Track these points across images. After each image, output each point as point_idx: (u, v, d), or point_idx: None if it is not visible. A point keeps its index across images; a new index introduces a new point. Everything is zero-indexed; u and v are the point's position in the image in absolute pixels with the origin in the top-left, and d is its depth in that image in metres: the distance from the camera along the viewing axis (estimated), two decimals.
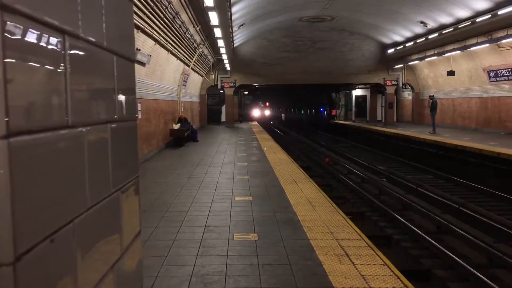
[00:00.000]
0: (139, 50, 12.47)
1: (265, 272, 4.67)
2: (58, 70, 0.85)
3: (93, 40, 0.98)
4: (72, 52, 0.89)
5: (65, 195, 0.87)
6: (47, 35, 0.80)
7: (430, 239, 8.39)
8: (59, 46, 0.84)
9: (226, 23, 15.76)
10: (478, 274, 6.70)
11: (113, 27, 1.10)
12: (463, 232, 8.69)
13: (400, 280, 4.40)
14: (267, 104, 65.16)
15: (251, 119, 46.99)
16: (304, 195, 8.49)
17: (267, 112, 63.98)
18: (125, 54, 1.18)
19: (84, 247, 0.93)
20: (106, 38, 1.05)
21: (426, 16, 22.67)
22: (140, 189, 5.53)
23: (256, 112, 55.62)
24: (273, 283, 4.39)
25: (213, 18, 13.55)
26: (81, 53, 0.93)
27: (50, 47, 0.82)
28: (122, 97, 1.15)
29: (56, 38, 0.84)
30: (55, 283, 0.83)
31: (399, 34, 27.44)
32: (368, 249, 5.36)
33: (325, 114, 48.73)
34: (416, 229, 9.07)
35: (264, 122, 47.60)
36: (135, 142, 1.24)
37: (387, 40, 29.71)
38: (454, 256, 7.46)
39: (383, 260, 4.95)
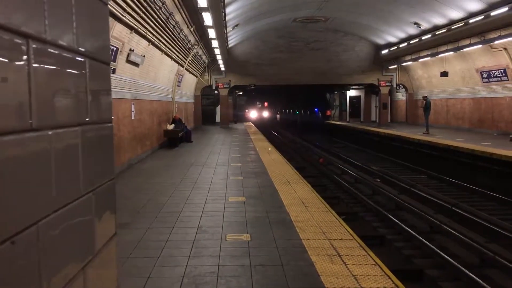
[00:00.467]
0: (133, 51, 12.46)
1: (257, 273, 4.67)
2: (21, 73, 0.85)
3: (63, 43, 0.99)
4: (37, 55, 0.89)
5: (28, 198, 0.87)
6: (8, 38, 0.80)
7: (422, 239, 8.43)
8: (22, 49, 0.85)
9: (220, 23, 15.76)
10: (470, 274, 6.75)
11: (85, 30, 1.10)
12: (455, 232, 8.74)
13: (391, 280, 4.42)
14: (266, 104, 59.78)
15: (247, 120, 45.12)
16: (297, 195, 8.51)
17: (266, 113, 58.59)
18: (99, 57, 1.18)
19: (51, 249, 0.93)
20: (77, 41, 1.05)
21: (419, 17, 22.78)
22: (133, 189, 5.55)
23: (253, 114, 52.63)
24: (265, 284, 4.40)
25: (207, 18, 13.54)
26: (48, 56, 0.94)
27: (11, 51, 0.82)
28: (95, 100, 1.15)
29: (19, 41, 0.84)
30: (18, 286, 0.83)
31: (393, 35, 27.56)
32: (360, 249, 5.38)
33: (320, 114, 48.83)
34: (409, 229, 9.12)
35: (260, 123, 45.46)
36: (110, 145, 1.24)
37: (381, 41, 29.82)
38: (446, 256, 7.50)
39: (374, 260, 4.98)
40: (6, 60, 0.81)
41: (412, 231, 8.97)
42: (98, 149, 1.19)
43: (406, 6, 21.90)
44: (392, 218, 10.03)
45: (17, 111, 0.83)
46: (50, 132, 0.93)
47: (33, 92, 0.86)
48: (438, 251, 7.77)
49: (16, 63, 0.84)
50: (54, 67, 0.96)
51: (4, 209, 0.80)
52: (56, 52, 0.97)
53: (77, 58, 1.06)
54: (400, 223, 9.62)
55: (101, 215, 1.18)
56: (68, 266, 1.01)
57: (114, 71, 11.36)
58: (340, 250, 5.32)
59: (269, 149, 17.27)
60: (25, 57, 0.85)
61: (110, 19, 9.92)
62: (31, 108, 0.86)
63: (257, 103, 56.26)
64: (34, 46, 0.87)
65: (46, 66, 0.92)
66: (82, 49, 1.07)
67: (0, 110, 0.78)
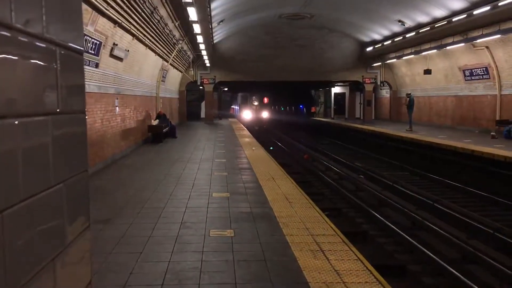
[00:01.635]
0: (117, 45, 12.32)
1: (240, 268, 4.67)
2: None
3: (31, 30, 0.96)
4: (2, 42, 0.86)
5: None
6: None
7: (404, 235, 8.52)
8: None
9: (205, 18, 15.66)
10: (452, 269, 6.84)
11: (55, 17, 1.07)
12: (437, 228, 8.85)
13: (373, 275, 4.46)
14: (266, 100, 40.93)
15: (235, 117, 38.40)
16: (281, 191, 8.53)
17: (265, 113, 40.25)
18: (70, 46, 1.16)
19: (17, 239, 0.92)
20: (45, 28, 1.02)
21: (403, 15, 22.96)
22: (116, 185, 5.49)
23: (246, 114, 39.05)
24: (248, 279, 4.40)
25: (192, 13, 13.45)
26: (14, 43, 0.91)
27: None
28: (66, 90, 1.13)
29: None
30: None
31: (377, 32, 27.74)
32: (342, 244, 5.42)
33: (305, 111, 48.96)
34: (392, 225, 9.21)
35: (257, 128, 35.13)
36: (83, 135, 1.22)
37: (366, 38, 29.99)
38: (428, 252, 7.59)
39: (357, 256, 5.01)
40: None
41: (394, 227, 9.06)
42: (71, 139, 1.16)
43: (390, 4, 22.05)
44: (375, 214, 10.11)
45: None
46: (15, 121, 0.91)
47: None
48: (420, 246, 7.87)
49: None
50: (19, 54, 0.94)
51: None
52: (24, 39, 0.94)
53: (46, 46, 1.03)
54: (383, 219, 9.71)
55: (72, 207, 1.16)
56: (36, 257, 0.99)
57: (97, 65, 11.23)
58: (323, 246, 5.35)
59: (254, 145, 17.27)
60: None
61: (94, 12, 9.78)
62: None
63: (253, 98, 39.36)
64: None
65: (8, 52, 0.89)
66: (52, 36, 1.05)
67: None
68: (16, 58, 0.91)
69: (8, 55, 0.88)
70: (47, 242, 1.02)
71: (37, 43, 0.99)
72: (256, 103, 40.11)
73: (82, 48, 1.23)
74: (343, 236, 5.75)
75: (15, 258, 0.89)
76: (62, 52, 1.09)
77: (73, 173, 1.14)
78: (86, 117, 1.24)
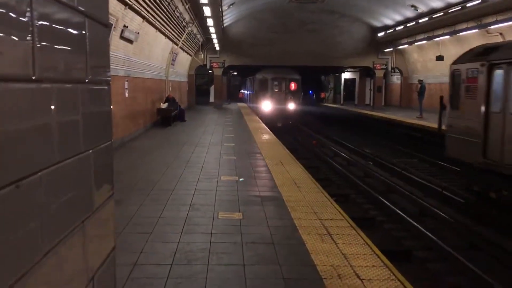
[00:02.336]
0: (127, 27, 12.30)
1: (248, 250, 4.73)
2: (24, 26, 0.85)
3: (63, 1, 0.99)
4: (38, 10, 0.89)
5: (30, 148, 0.90)
6: None
7: (412, 221, 8.53)
8: (24, 4, 0.85)
9: (215, 1, 15.56)
10: (456, 255, 6.86)
11: None
12: (444, 215, 8.84)
13: (380, 259, 4.49)
14: (293, 85, 28.10)
15: (253, 111, 27.68)
16: (290, 176, 8.55)
17: (292, 104, 27.76)
18: (98, 18, 1.18)
19: (52, 199, 0.96)
20: (76, 0, 1.05)
21: (417, 0, 22.62)
22: (125, 167, 5.55)
23: (266, 104, 27.18)
24: (256, 261, 4.46)
25: None
26: (49, 11, 0.94)
27: (15, 4, 0.82)
28: (93, 60, 1.15)
29: None
30: (20, 227, 0.86)
31: (389, 17, 27.38)
32: (350, 229, 5.45)
33: (314, 97, 48.75)
34: (399, 211, 9.22)
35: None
36: (108, 106, 1.25)
37: (377, 23, 29.63)
38: (434, 238, 7.61)
39: (364, 240, 5.04)
40: (11, 12, 0.82)
41: (402, 213, 9.07)
42: (97, 109, 1.20)
43: None
44: (383, 200, 10.12)
45: (21, 62, 0.84)
46: (50, 86, 0.94)
47: (35, 45, 0.87)
48: (427, 232, 7.88)
49: (19, 15, 0.85)
50: (56, 24, 0.96)
51: (10, 154, 0.83)
52: (59, 9, 0.97)
53: (78, 16, 1.05)
54: (390, 205, 9.71)
55: (99, 174, 1.20)
56: (69, 217, 1.03)
57: None
58: (330, 230, 5.38)
59: (263, 130, 17.28)
60: (28, 9, 0.85)
61: None
62: (34, 60, 0.87)
63: (274, 83, 27.75)
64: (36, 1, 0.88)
65: (48, 21, 0.93)
66: (83, 8, 1.07)
67: (4, 58, 0.79)
68: (52, 26, 0.94)
69: (46, 23, 0.91)
70: (78, 205, 1.07)
71: (70, 14, 1.01)
72: (276, 90, 27.62)
73: (107, 21, 1.25)
74: (351, 221, 5.77)
75: (51, 216, 0.94)
76: (90, 23, 1.11)
77: (100, 141, 1.18)
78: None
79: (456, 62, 10.82)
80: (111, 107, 1.29)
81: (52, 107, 0.96)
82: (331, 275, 4.12)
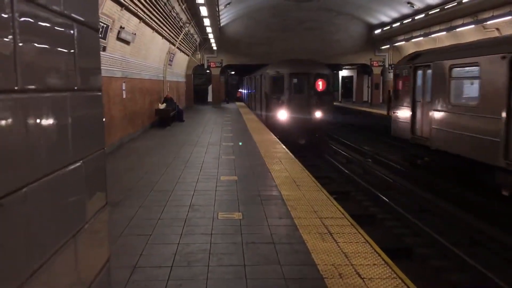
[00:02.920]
0: (123, 28, 12.27)
1: (249, 250, 4.71)
2: (6, 32, 0.82)
3: (49, 6, 0.96)
4: (22, 16, 0.86)
5: (14, 162, 0.86)
6: None
7: (411, 218, 8.53)
8: (7, 9, 0.82)
9: (212, 1, 15.54)
10: (457, 251, 6.86)
11: None
12: (444, 211, 8.85)
13: (381, 257, 4.48)
14: (322, 84, 17.99)
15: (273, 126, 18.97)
16: (289, 174, 8.54)
17: (318, 113, 17.68)
18: (86, 22, 1.15)
19: (40, 214, 0.93)
20: (63, 4, 1.02)
21: None
22: (124, 168, 5.51)
23: (282, 114, 17.91)
24: (257, 261, 4.44)
25: None
26: (33, 17, 0.91)
27: None
28: (83, 67, 1.13)
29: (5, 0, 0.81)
30: (5, 248, 0.83)
31: (386, 14, 27.37)
32: (350, 227, 5.44)
33: None
34: (399, 208, 9.21)
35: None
36: (100, 113, 1.23)
37: (374, 21, 29.62)
38: (434, 234, 7.61)
39: (365, 238, 5.03)
40: None
41: (402, 210, 9.07)
42: (88, 117, 1.17)
43: None
44: (383, 197, 10.12)
45: (2, 72, 0.81)
46: (34, 95, 0.91)
47: (17, 54, 0.84)
48: (427, 229, 7.88)
49: (2, 23, 0.81)
50: (41, 30, 0.93)
51: None
52: (45, 14, 0.94)
53: (65, 21, 1.03)
54: (390, 202, 9.71)
55: (91, 184, 1.17)
56: (59, 232, 1.00)
57: (104, 49, 11.21)
58: (331, 228, 5.37)
59: (261, 129, 17.25)
60: (10, 16, 0.82)
61: None
62: (16, 69, 0.84)
63: (293, 81, 18.09)
64: (18, 7, 0.85)
65: (31, 27, 0.89)
66: (70, 12, 1.04)
67: None
68: (37, 32, 0.91)
69: (29, 29, 0.88)
70: (68, 218, 1.04)
71: (56, 19, 0.98)
72: (300, 91, 18.24)
73: (98, 25, 1.22)
74: (351, 219, 5.76)
75: (39, 232, 0.91)
76: (79, 28, 1.09)
77: (91, 150, 1.15)
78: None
79: (396, 64, 15.23)
80: (103, 114, 1.26)
81: (37, 117, 0.92)
82: (332, 274, 4.11)
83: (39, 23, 0.93)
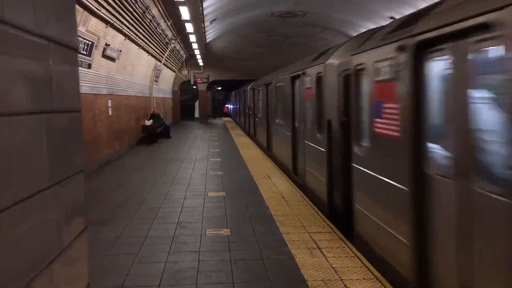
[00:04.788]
0: (109, 45, 12.25)
1: (238, 267, 4.66)
2: None
3: (20, 25, 0.93)
4: None
5: None
6: None
7: None
8: None
9: (197, 18, 15.61)
10: None
11: (46, 12, 1.04)
12: None
13: (370, 271, 4.47)
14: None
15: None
16: (277, 189, 8.52)
17: None
18: (64, 42, 1.13)
19: (12, 243, 0.89)
20: (37, 23, 0.99)
21: (395, 11, 22.99)
22: (111, 185, 5.42)
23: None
24: (245, 278, 4.39)
25: (184, 12, 13.40)
26: (6, 39, 0.88)
27: None
28: (60, 87, 1.10)
29: None
30: None
31: (368, 28, 27.79)
32: (339, 241, 5.42)
33: None
34: None
35: None
36: (78, 133, 1.20)
37: None
38: None
39: (354, 253, 5.02)
40: None
41: None
42: (65, 139, 1.13)
43: (381, 0, 22.12)
44: None
45: None
46: (8, 119, 0.88)
47: None
48: None
49: None
50: (13, 51, 0.91)
51: None
52: (15, 33, 0.91)
53: (39, 41, 1.00)
54: None
55: (68, 209, 1.13)
56: (34, 260, 0.96)
57: (90, 66, 11.16)
58: (320, 243, 5.35)
59: (248, 144, 17.25)
60: None
61: (85, 13, 9.72)
62: None
63: None
64: None
65: (3, 48, 0.87)
66: (44, 32, 1.02)
67: None
68: (8, 52, 0.88)
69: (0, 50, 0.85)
70: (44, 245, 1.00)
71: (29, 38, 0.96)
72: None
73: (76, 44, 1.20)
74: (339, 233, 5.75)
75: (12, 261, 0.87)
76: (55, 48, 1.06)
77: (69, 173, 1.12)
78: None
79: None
80: (82, 135, 1.22)
81: (10, 141, 0.89)
82: None
83: (11, 42, 0.90)
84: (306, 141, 8.32)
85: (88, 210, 5.84)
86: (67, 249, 1.10)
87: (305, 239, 5.51)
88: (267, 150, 14.19)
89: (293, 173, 9.59)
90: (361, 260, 4.77)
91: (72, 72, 1.20)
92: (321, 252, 5.05)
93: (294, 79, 9.63)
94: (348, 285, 4.15)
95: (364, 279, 4.30)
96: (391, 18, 23.90)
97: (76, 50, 1.19)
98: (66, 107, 1.12)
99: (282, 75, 11.63)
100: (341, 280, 4.28)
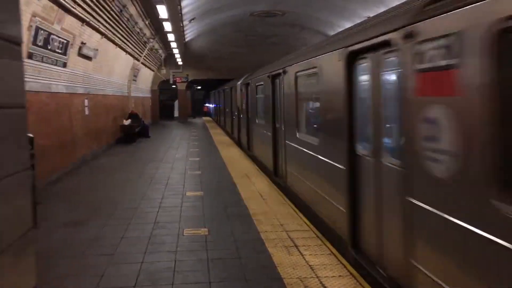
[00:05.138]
0: (85, 44, 12.07)
1: (215, 267, 4.65)
2: None
3: None
4: None
5: None
6: None
7: None
8: None
9: (176, 17, 15.51)
10: None
11: None
12: None
13: (346, 269, 4.50)
14: None
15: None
16: (256, 189, 8.53)
17: None
18: (4, 35, 1.10)
19: None
20: None
21: (373, 11, 23.22)
22: (87, 186, 5.33)
23: None
24: (223, 277, 4.38)
25: (162, 11, 13.28)
26: None
27: None
28: (0, 83, 1.07)
29: None
30: None
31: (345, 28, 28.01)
32: (316, 239, 5.45)
33: None
34: None
35: None
36: (23, 130, 1.17)
37: None
38: None
39: (330, 250, 5.05)
40: None
41: None
42: (7, 136, 1.10)
43: (359, 0, 22.35)
44: None
45: None
46: None
47: None
48: None
49: None
50: None
51: None
52: None
53: None
54: None
55: (12, 208, 1.10)
56: None
57: (65, 65, 10.98)
58: (297, 241, 5.37)
59: (228, 143, 17.22)
60: None
61: (60, 10, 9.56)
62: None
63: None
64: None
65: None
66: None
67: None
68: None
69: None
70: None
71: None
72: None
73: (20, 39, 1.17)
74: (316, 231, 5.78)
75: None
76: None
77: (12, 171, 1.08)
78: (25, 110, 1.17)
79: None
80: (27, 132, 1.19)
81: None
82: (298, 287, 4.09)
83: None
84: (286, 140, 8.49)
85: (63, 211, 5.71)
86: (10, 248, 1.07)
87: (283, 238, 5.53)
88: (248, 150, 14.22)
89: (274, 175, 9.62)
90: (337, 257, 4.81)
91: (15, 67, 1.16)
92: (298, 250, 5.08)
93: (274, 78, 9.65)
94: (324, 282, 4.18)
95: (340, 276, 4.33)
96: (368, 17, 24.19)
97: (19, 44, 1.16)
98: (7, 103, 1.09)
99: (259, 75, 11.71)
100: (317, 277, 4.30)
